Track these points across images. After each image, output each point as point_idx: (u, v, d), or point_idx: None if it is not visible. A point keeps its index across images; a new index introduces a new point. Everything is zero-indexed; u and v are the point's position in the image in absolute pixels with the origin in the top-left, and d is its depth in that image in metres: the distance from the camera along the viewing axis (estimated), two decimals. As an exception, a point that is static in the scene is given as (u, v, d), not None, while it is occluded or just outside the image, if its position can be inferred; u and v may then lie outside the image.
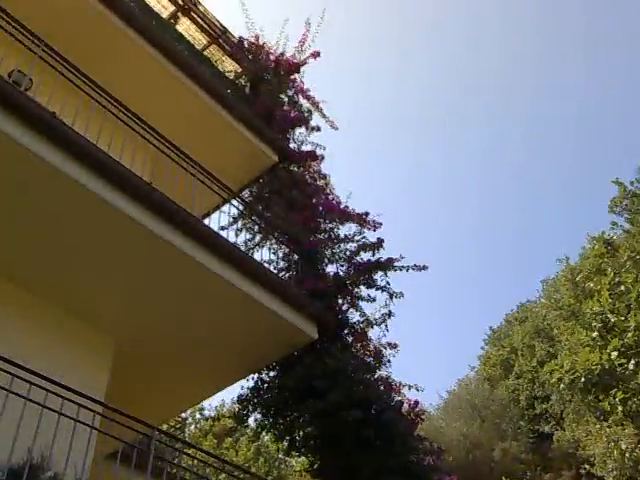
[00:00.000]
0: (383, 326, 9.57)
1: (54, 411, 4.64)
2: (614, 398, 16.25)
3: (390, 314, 9.65)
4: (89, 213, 6.11)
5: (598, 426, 19.07)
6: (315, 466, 8.73)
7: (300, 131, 11.43)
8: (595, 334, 17.67)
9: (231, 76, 11.75)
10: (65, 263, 6.55)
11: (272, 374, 9.17)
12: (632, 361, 16.27)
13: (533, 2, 46.08)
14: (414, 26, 53.27)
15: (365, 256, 10.10)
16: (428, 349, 49.30)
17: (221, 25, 11.59)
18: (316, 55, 11.72)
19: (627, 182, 27.70)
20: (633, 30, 44.24)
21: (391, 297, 9.73)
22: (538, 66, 49.16)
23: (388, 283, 9.82)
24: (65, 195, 5.93)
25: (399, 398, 9.05)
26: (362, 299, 9.81)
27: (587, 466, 19.99)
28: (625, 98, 47.39)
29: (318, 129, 11.50)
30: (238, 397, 9.20)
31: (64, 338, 6.70)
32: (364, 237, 10.28)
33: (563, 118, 49.56)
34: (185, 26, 11.35)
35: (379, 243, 10.13)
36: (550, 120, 49.56)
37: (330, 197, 10.72)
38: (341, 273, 9.97)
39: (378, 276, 9.91)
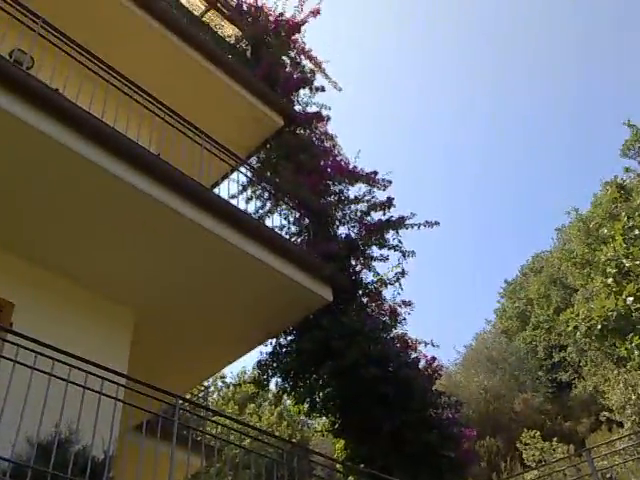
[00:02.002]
0: (397, 285, 9.64)
1: (79, 385, 4.72)
2: (631, 343, 16.31)
3: (404, 272, 9.70)
4: (100, 188, 6.11)
5: (616, 372, 19.18)
6: (336, 426, 8.90)
7: (304, 92, 11.32)
8: (610, 280, 17.64)
9: (231, 41, 11.58)
10: (80, 238, 6.59)
11: (290, 338, 9.30)
12: (648, 306, 16.25)
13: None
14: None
15: (376, 216, 10.11)
16: (444, 305, 49.53)
17: (218, -12, 11.38)
18: (316, 13, 11.49)
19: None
20: None
21: (404, 255, 9.77)
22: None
23: (400, 242, 9.85)
24: (75, 172, 5.93)
25: (415, 355, 9.16)
26: (375, 259, 9.85)
27: (606, 413, 20.19)
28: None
29: (322, 89, 11.36)
30: (257, 362, 9.35)
31: (84, 312, 6.79)
32: (374, 197, 10.26)
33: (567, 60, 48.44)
34: (183, -9, 11.14)
35: (389, 202, 10.10)
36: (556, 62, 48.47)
37: (338, 158, 10.65)
38: (353, 234, 9.98)
39: (390, 235, 9.94)
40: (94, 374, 4.87)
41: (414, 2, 52.09)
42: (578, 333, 18.67)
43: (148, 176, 6.24)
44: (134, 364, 6.78)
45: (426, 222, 9.98)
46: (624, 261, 17.38)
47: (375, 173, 10.28)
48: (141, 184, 6.16)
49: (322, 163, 10.39)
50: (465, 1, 50.28)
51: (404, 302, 9.50)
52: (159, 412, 6.04)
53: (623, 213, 18.34)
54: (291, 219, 9.95)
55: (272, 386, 9.68)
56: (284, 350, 9.24)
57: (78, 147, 5.77)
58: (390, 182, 10.29)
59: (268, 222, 9.68)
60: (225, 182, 8.60)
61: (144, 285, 7.26)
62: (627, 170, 27.33)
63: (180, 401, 5.51)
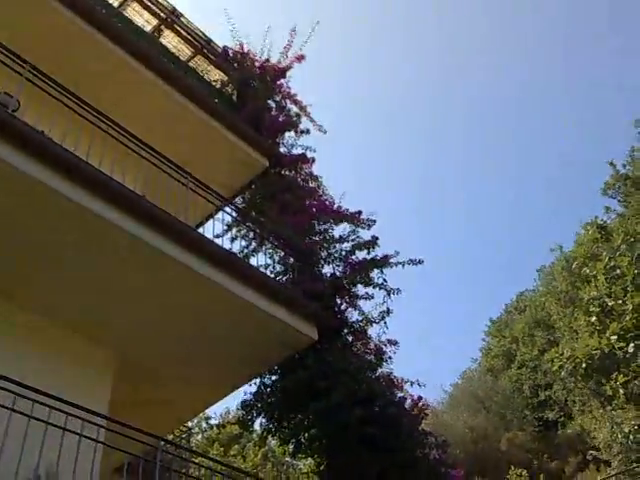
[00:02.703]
0: (382, 323, 9.64)
1: (58, 427, 4.68)
2: (615, 382, 16.35)
3: (389, 311, 9.71)
4: (84, 228, 6.15)
5: (601, 411, 19.15)
6: (322, 467, 8.78)
7: (289, 135, 11.49)
8: (594, 319, 17.77)
9: (217, 85, 11.79)
10: (62, 279, 6.59)
11: (274, 378, 9.22)
12: (631, 344, 16.37)
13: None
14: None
15: (360, 255, 10.17)
16: (430, 343, 49.36)
17: (205, 35, 11.63)
18: (300, 59, 11.77)
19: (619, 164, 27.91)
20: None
21: (389, 294, 9.79)
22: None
23: (385, 280, 9.89)
24: (59, 212, 5.98)
25: (402, 394, 9.12)
26: (360, 298, 9.87)
27: (593, 452, 20.07)
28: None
29: (307, 132, 11.55)
30: (242, 403, 9.24)
31: (65, 353, 6.74)
32: (358, 236, 10.35)
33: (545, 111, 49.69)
34: (169, 38, 11.37)
35: (374, 241, 10.19)
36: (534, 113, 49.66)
37: (323, 198, 10.78)
38: (338, 273, 10.02)
39: (375, 274, 9.98)
40: (74, 415, 4.82)
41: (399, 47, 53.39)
42: (563, 372, 18.71)
43: (132, 216, 6.29)
44: (115, 405, 6.70)
45: (410, 260, 10.06)
46: (607, 300, 17.56)
47: (359, 213, 10.41)
48: (124, 223, 6.21)
49: (307, 203, 10.50)
50: (454, 41, 51.54)
51: (389, 341, 9.49)
52: (141, 454, 5.95)
53: (604, 253, 18.59)
54: (276, 258, 9.99)
55: (257, 426, 9.55)
56: (268, 390, 9.15)
57: (61, 187, 5.82)
58: (374, 221, 10.41)
59: (253, 261, 9.72)
60: (210, 222, 8.67)
61: (126, 325, 7.23)
62: (608, 210, 27.82)
63: (162, 442, 5.45)
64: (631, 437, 16.74)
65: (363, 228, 10.38)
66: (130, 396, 7.49)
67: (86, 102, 6.91)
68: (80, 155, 6.19)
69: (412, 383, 9.30)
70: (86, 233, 6.20)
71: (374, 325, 9.65)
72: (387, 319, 9.65)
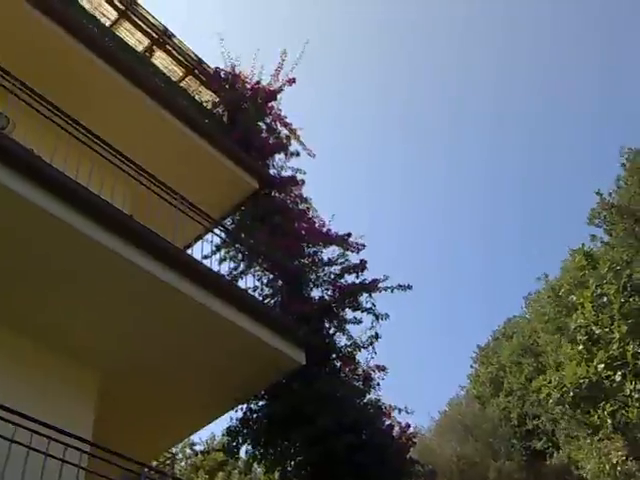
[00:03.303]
0: (370, 349, 9.57)
1: (40, 452, 4.53)
2: (603, 411, 16.31)
3: (377, 336, 9.65)
4: (69, 247, 6.05)
5: (589, 441, 19.05)
6: (308, 495, 8.60)
7: (279, 157, 11.50)
8: (581, 347, 17.78)
9: (208, 106, 11.80)
10: (45, 298, 6.45)
11: (261, 403, 9.08)
12: (618, 373, 16.38)
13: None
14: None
15: (349, 278, 10.14)
16: (418, 369, 49.12)
17: (196, 56, 11.66)
18: (292, 82, 11.82)
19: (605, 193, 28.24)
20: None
21: (377, 319, 9.74)
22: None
23: (373, 305, 9.84)
24: (45, 230, 5.87)
25: (389, 422, 9.02)
26: (348, 322, 9.80)
27: (581, 482, 19.92)
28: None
29: (297, 154, 11.57)
30: (227, 429, 9.07)
31: (47, 375, 6.58)
32: (347, 259, 10.32)
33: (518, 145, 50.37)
34: (160, 59, 11.39)
35: (362, 265, 10.17)
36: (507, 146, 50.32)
37: (312, 221, 10.75)
38: (326, 297, 9.96)
39: (363, 298, 9.93)
40: (57, 440, 4.67)
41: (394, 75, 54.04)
42: (551, 401, 18.64)
43: (118, 235, 6.19)
44: (99, 429, 6.53)
45: (399, 285, 10.04)
46: (594, 328, 17.59)
47: (349, 236, 10.39)
48: (110, 243, 6.11)
49: (296, 225, 10.47)
50: (460, 57, 52.16)
51: (378, 367, 9.42)
52: (123, 481, 5.78)
53: (591, 281, 18.67)
54: (264, 280, 9.92)
55: (243, 453, 9.36)
56: (255, 416, 9.00)
57: (48, 205, 5.72)
58: (363, 245, 10.40)
59: (241, 283, 9.62)
60: (199, 243, 8.59)
61: (111, 347, 7.09)
62: (593, 238, 28.06)
63: (146, 469, 5.30)
64: (619, 468, 16.65)
65: (352, 251, 10.36)
66: (114, 420, 7.30)
67: (76, 120, 6.85)
68: (69, 174, 6.11)
69: (400, 410, 9.23)
70: (71, 252, 6.09)
71: (362, 350, 9.59)
72: (375, 344, 9.61)
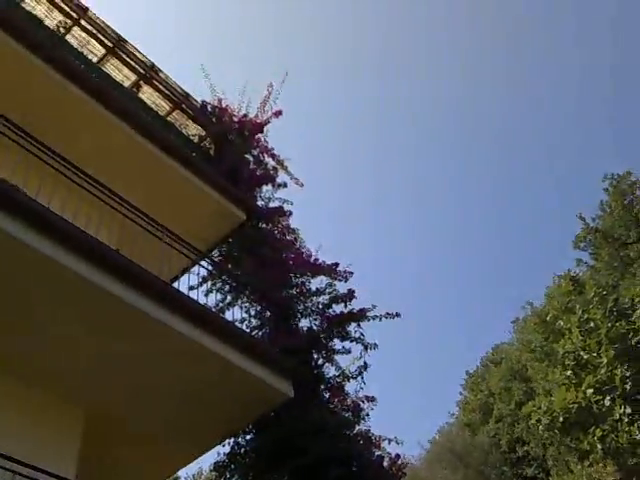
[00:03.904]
0: (359, 379, 9.53)
1: (23, 493, 4.46)
2: (593, 436, 16.28)
3: (366, 366, 9.62)
4: (53, 282, 6.00)
5: (579, 467, 18.98)
6: (298, 530, 8.46)
7: (267, 188, 11.57)
8: (569, 372, 17.82)
9: (195, 139, 11.88)
10: (28, 335, 6.39)
11: (248, 437, 8.99)
12: (607, 397, 16.40)
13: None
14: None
15: (337, 308, 10.13)
16: (407, 398, 48.83)
17: (183, 90, 11.77)
18: (278, 114, 11.96)
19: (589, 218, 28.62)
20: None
21: (366, 349, 9.72)
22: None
23: (362, 334, 9.83)
24: (26, 265, 5.84)
25: (379, 453, 8.94)
26: (337, 352, 9.77)
27: (573, 508, 19.76)
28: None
29: (284, 185, 11.65)
30: (215, 464, 8.96)
31: (30, 414, 6.47)
32: (335, 289, 10.32)
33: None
34: (147, 94, 11.47)
35: (350, 294, 10.17)
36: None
37: (300, 251, 10.78)
38: (314, 327, 9.94)
39: (352, 328, 9.91)
40: (40, 480, 4.60)
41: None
42: (541, 427, 18.58)
43: (103, 269, 6.15)
44: (83, 467, 6.43)
45: (387, 314, 10.04)
46: (582, 353, 17.65)
47: (336, 265, 10.40)
48: (95, 277, 6.06)
49: (284, 256, 10.48)
50: (420, 106, 53.02)
51: (367, 397, 9.37)
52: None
53: (578, 306, 18.80)
54: (252, 312, 9.89)
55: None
56: (242, 450, 8.90)
57: (32, 240, 5.67)
58: (351, 274, 10.41)
59: (228, 315, 9.59)
60: (185, 275, 8.57)
61: (95, 384, 6.99)
62: (579, 263, 28.32)
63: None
64: (610, 494, 16.58)
65: (340, 281, 10.37)
66: (99, 458, 7.20)
67: (61, 156, 6.87)
68: (54, 209, 6.11)
69: (390, 441, 9.15)
70: (54, 287, 6.04)
71: (351, 381, 9.54)
72: (364, 374, 9.57)
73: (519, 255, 52.15)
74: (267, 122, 11.97)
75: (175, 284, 8.22)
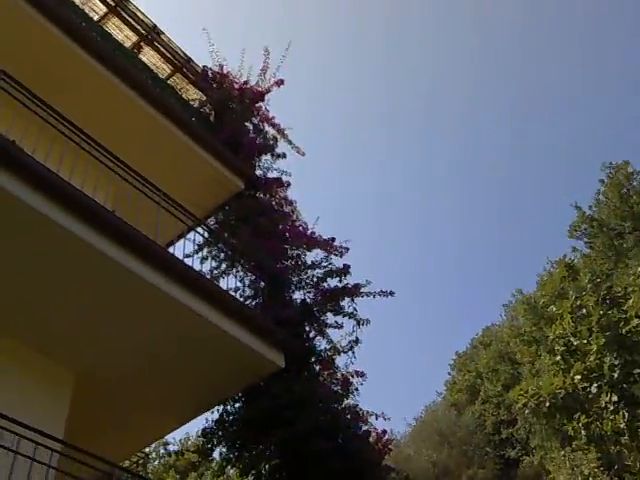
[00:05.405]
0: (350, 353, 9.54)
1: (9, 450, 4.42)
2: (578, 422, 16.40)
3: (357, 341, 9.63)
4: (47, 241, 5.93)
5: (562, 452, 19.18)
6: (282, 500, 8.53)
7: (266, 158, 11.45)
8: (558, 358, 17.89)
9: (195, 104, 11.71)
10: (21, 294, 6.33)
11: (237, 405, 9.00)
12: (594, 384, 16.49)
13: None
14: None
15: (332, 282, 10.10)
16: (395, 375, 49.24)
17: (185, 54, 11.57)
18: (280, 83, 11.78)
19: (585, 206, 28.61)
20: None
21: (358, 324, 9.72)
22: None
23: (355, 309, 9.82)
24: (22, 223, 5.76)
25: (366, 427, 8.98)
26: (329, 326, 9.77)
27: (553, 492, 20.03)
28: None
29: (284, 156, 11.53)
30: (202, 430, 8.99)
31: (20, 371, 6.45)
32: (331, 263, 10.29)
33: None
34: (149, 55, 11.28)
35: (346, 269, 10.14)
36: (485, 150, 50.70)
37: (297, 223, 10.71)
38: (308, 300, 9.92)
39: (345, 302, 9.90)
40: (27, 438, 4.57)
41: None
42: (527, 410, 18.72)
43: (99, 231, 6.08)
44: (71, 428, 6.42)
45: (381, 291, 10.03)
46: (572, 339, 17.71)
47: (333, 239, 10.36)
48: (91, 238, 6.00)
49: (280, 227, 10.41)
50: (441, 55, 52.51)
51: (357, 372, 9.38)
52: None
53: (571, 292, 18.81)
54: (246, 281, 9.85)
55: (216, 454, 9.27)
56: (231, 418, 8.92)
57: (27, 197, 5.60)
58: (347, 249, 10.37)
59: (223, 283, 9.52)
60: (181, 241, 8.50)
61: (87, 346, 6.97)
62: (574, 250, 28.37)
63: (117, 470, 5.21)
64: (590, 479, 16.77)
65: (336, 255, 10.33)
66: (88, 420, 7.18)
67: (60, 114, 6.74)
68: (51, 167, 6.00)
69: (377, 416, 9.19)
70: (48, 246, 5.97)
71: (342, 355, 9.56)
72: (355, 349, 9.58)
73: (521, 241, 52.12)
74: (268, 91, 11.80)
75: (170, 249, 8.14)
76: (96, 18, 10.68)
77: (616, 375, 16.31)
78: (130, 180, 7.24)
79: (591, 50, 47.27)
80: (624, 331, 16.48)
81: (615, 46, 46.23)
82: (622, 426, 15.76)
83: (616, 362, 16.39)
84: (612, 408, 16.09)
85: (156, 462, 25.20)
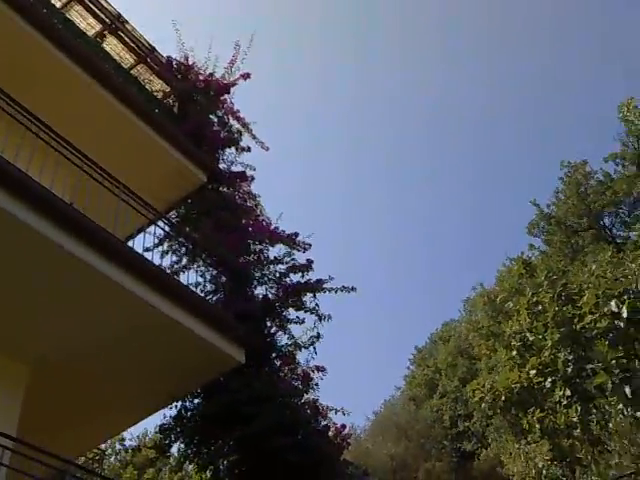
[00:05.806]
0: (311, 349, 9.56)
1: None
2: (532, 416, 16.78)
3: (319, 337, 9.65)
4: (3, 234, 5.77)
5: (517, 445, 19.61)
6: (241, 495, 8.52)
7: (230, 152, 11.36)
8: (514, 353, 18.25)
9: (159, 96, 11.53)
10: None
11: (196, 401, 8.94)
12: (549, 379, 16.89)
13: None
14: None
15: (294, 278, 10.10)
16: (354, 370, 49.56)
17: (149, 44, 11.37)
18: (246, 77, 11.70)
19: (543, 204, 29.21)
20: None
21: (320, 319, 9.75)
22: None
23: (317, 305, 9.84)
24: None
25: (326, 422, 9.03)
26: (291, 322, 9.77)
27: (507, 484, 20.47)
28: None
29: (248, 150, 11.47)
30: (160, 426, 8.90)
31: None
32: (293, 259, 10.28)
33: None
34: (112, 45, 11.04)
35: (308, 264, 10.16)
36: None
37: (260, 218, 10.67)
38: (270, 295, 9.89)
39: (307, 298, 9.91)
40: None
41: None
42: (483, 404, 19.07)
43: (56, 223, 5.94)
44: (25, 424, 6.27)
45: (344, 287, 10.06)
46: (528, 335, 18.08)
47: (296, 235, 10.35)
48: (47, 231, 5.86)
49: (243, 222, 10.36)
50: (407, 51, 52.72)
51: (317, 367, 9.42)
52: (49, 478, 5.58)
53: (528, 289, 19.18)
54: (207, 276, 9.78)
55: (174, 450, 9.19)
56: (189, 414, 8.85)
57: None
58: (310, 245, 10.38)
59: (183, 278, 9.43)
60: (141, 235, 8.37)
61: (41, 340, 6.82)
62: (532, 247, 28.97)
63: (72, 467, 5.12)
64: (544, 472, 17.18)
65: (299, 251, 10.33)
66: (42, 416, 7.04)
67: (16, 102, 6.55)
68: (8, 157, 5.83)
69: (337, 411, 9.24)
70: (4, 239, 5.81)
71: (303, 350, 9.57)
72: (316, 344, 9.60)
73: (485, 238, 53.00)
74: (234, 84, 11.71)
75: (130, 243, 8.01)
76: (59, 5, 10.40)
77: (570, 370, 16.73)
78: (89, 171, 7.08)
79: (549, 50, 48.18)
80: (578, 327, 16.88)
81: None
82: (575, 420, 16.17)
83: (570, 357, 16.81)
84: (565, 402, 16.50)
85: (112, 458, 24.85)
